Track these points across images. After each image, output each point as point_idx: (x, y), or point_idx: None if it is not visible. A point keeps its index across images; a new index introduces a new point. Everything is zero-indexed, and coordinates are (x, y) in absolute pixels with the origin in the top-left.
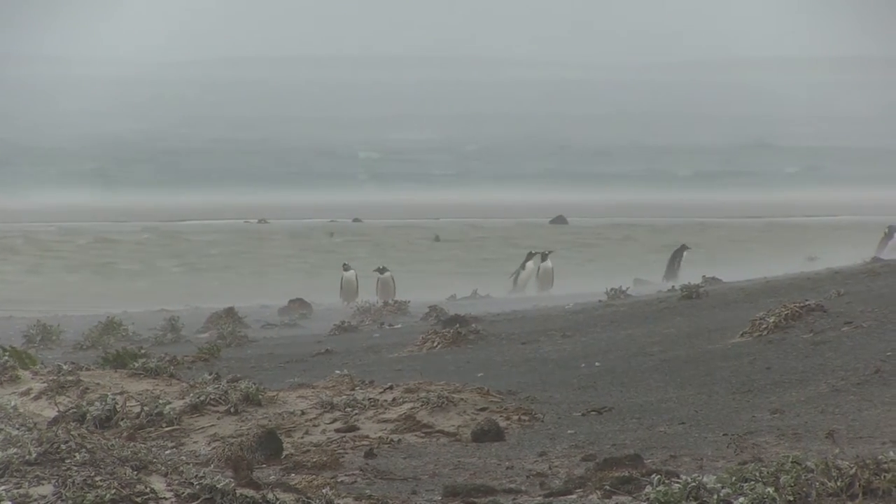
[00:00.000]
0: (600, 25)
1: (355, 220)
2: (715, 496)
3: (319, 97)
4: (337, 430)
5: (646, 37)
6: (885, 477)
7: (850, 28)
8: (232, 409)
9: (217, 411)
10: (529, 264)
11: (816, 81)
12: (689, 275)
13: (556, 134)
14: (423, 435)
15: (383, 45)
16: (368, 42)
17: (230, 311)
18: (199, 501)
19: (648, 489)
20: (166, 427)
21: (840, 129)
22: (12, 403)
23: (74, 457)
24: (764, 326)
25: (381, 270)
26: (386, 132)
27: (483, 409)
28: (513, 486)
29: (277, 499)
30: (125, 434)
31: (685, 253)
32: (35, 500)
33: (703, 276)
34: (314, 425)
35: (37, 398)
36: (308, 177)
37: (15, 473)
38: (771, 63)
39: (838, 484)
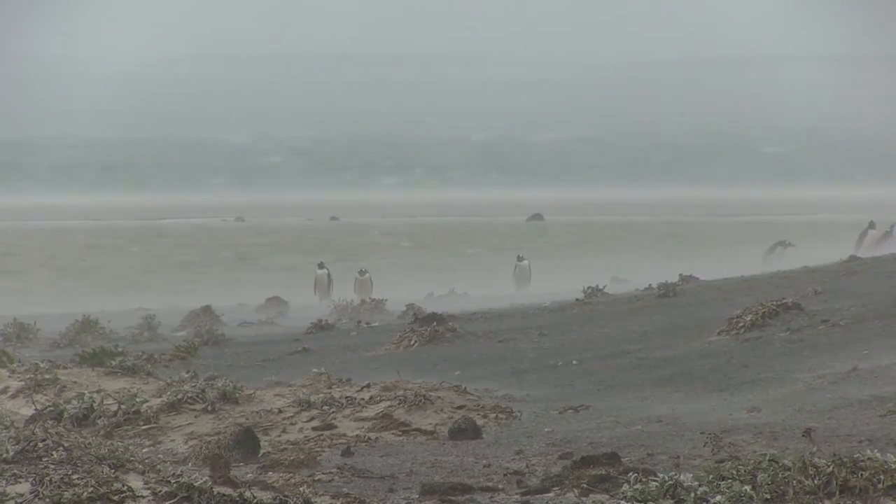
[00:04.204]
0: (596, 24)
1: (332, 218)
2: (692, 494)
3: (302, 95)
4: (314, 429)
5: (643, 34)
6: (861, 475)
7: (850, 28)
8: (209, 408)
9: (194, 409)
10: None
11: (815, 81)
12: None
13: (536, 134)
14: (400, 433)
15: (377, 42)
16: (362, 39)
17: (207, 310)
18: (176, 500)
19: (626, 487)
20: (143, 425)
21: (837, 129)
22: None
23: (52, 455)
24: (741, 325)
25: (361, 272)
26: (369, 130)
27: (460, 408)
28: (490, 484)
29: (255, 497)
30: (102, 432)
31: (778, 248)
32: (12, 498)
33: (680, 275)
34: (291, 423)
35: (14, 396)
36: (284, 175)
37: None
38: (768, 62)
39: (815, 482)
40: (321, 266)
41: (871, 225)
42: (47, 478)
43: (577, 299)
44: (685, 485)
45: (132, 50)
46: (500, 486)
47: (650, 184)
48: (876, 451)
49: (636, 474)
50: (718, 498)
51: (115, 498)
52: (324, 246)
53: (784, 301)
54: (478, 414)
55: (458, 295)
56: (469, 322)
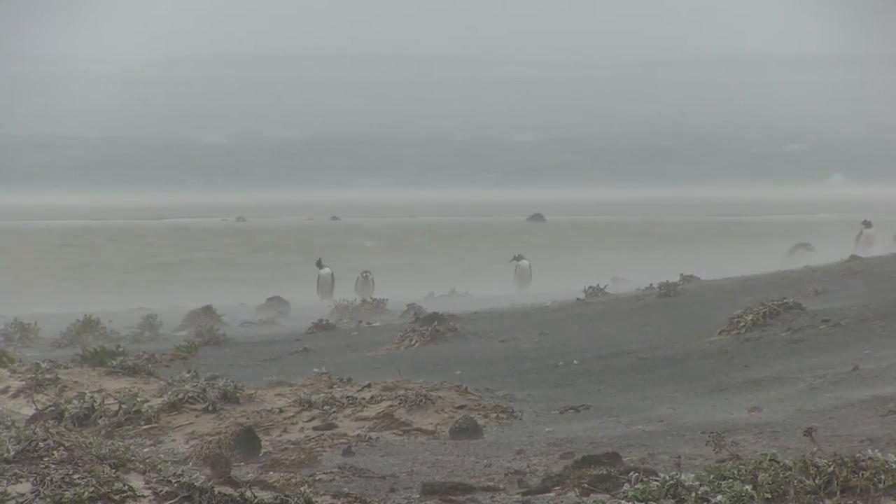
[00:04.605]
0: (596, 24)
1: (333, 218)
2: (693, 494)
3: (302, 95)
4: (315, 428)
5: (643, 34)
6: (862, 475)
7: (851, 28)
8: (210, 407)
9: (195, 409)
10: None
11: (815, 81)
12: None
13: (531, 134)
14: (400, 433)
15: (377, 42)
16: (362, 39)
17: (208, 309)
18: (176, 499)
19: (626, 487)
20: (144, 425)
21: (836, 129)
22: None
23: (52, 455)
24: (742, 325)
25: (364, 272)
26: (369, 129)
27: (461, 407)
28: (491, 483)
29: (255, 497)
30: (103, 432)
31: (800, 249)
32: (13, 498)
33: (681, 274)
34: (292, 423)
35: (15, 396)
36: (285, 175)
37: None
38: (768, 62)
39: (816, 482)
40: (321, 265)
41: (867, 224)
42: (48, 477)
43: (577, 299)
44: (686, 484)
45: (132, 50)
46: (500, 486)
47: (650, 183)
48: (877, 450)
49: (637, 474)
50: (719, 497)
51: (116, 498)
52: (324, 246)
53: (785, 301)
54: (479, 413)
55: (459, 295)
56: (470, 322)
